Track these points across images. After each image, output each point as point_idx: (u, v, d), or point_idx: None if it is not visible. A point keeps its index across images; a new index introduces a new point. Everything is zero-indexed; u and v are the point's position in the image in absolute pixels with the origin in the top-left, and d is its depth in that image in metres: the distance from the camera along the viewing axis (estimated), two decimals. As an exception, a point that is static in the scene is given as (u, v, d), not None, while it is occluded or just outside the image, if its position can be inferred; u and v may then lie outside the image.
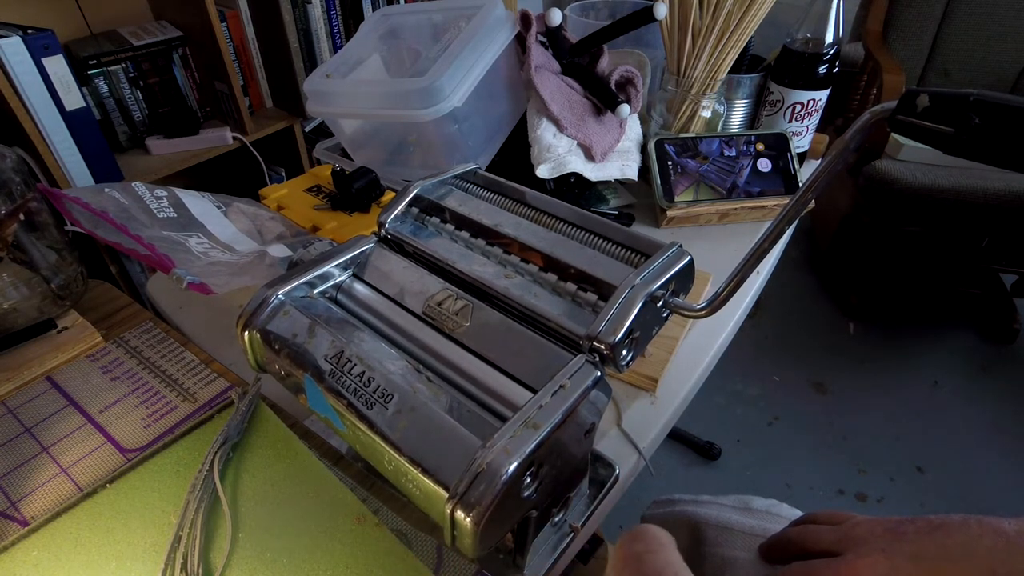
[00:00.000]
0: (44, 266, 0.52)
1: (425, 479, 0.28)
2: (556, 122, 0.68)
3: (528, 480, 0.28)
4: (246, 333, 0.37)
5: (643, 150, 0.78)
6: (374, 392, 0.31)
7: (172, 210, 0.57)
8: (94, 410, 0.48)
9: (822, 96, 0.79)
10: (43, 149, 1.03)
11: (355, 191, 0.64)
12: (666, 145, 0.73)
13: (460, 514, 0.26)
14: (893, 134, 1.41)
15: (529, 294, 0.36)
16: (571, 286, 0.36)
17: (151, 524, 0.39)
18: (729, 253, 0.70)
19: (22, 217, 0.50)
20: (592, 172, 0.72)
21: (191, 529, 0.38)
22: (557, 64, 0.73)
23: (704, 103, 0.76)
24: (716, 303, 0.33)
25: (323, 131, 1.49)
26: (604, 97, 0.72)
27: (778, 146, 0.75)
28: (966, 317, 1.71)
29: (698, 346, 0.57)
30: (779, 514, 0.53)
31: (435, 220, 0.43)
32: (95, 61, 1.16)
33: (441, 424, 0.30)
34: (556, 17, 0.69)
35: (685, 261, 0.35)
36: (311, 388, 0.34)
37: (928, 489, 1.30)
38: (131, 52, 1.20)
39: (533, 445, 0.27)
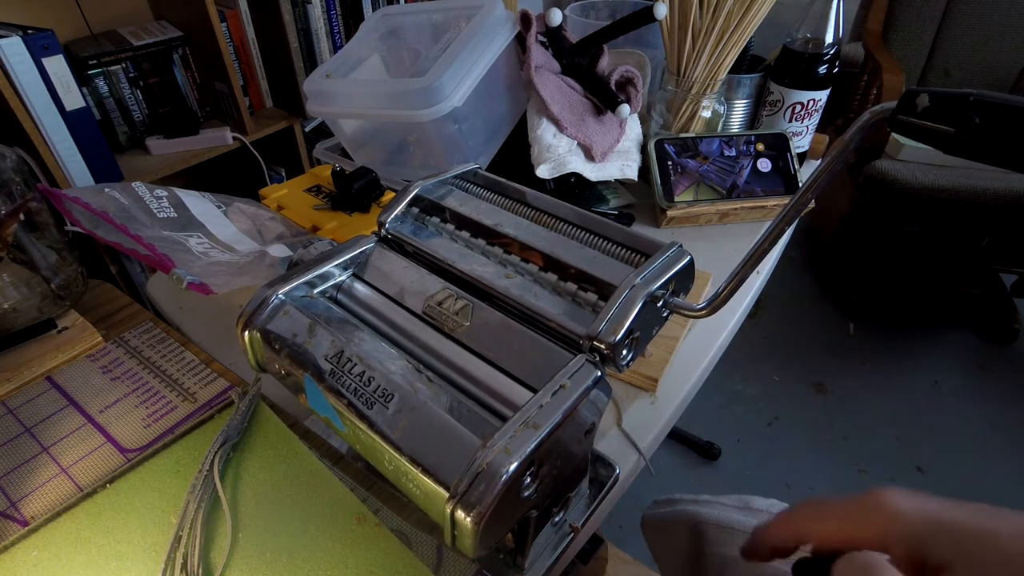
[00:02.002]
0: (44, 266, 0.52)
1: (425, 479, 0.28)
2: (556, 122, 0.68)
3: (528, 480, 0.28)
4: (246, 333, 0.37)
5: (643, 150, 0.78)
6: (374, 392, 0.31)
7: (172, 210, 0.57)
8: (94, 410, 0.48)
9: (822, 96, 0.79)
10: (43, 149, 1.03)
11: (355, 191, 0.64)
12: (666, 145, 0.73)
13: (460, 514, 0.26)
14: (893, 134, 1.41)
15: (529, 294, 0.36)
16: (571, 286, 0.36)
17: (151, 524, 0.39)
18: (729, 253, 0.70)
19: (22, 217, 0.50)
20: (592, 172, 0.72)
21: (191, 529, 0.38)
22: (557, 64, 0.73)
23: (704, 103, 0.76)
24: (716, 303, 0.33)
25: (323, 131, 1.49)
26: (604, 97, 0.72)
27: (778, 146, 0.75)
28: (966, 317, 1.71)
29: (698, 346, 0.57)
30: (779, 514, 0.52)
31: (435, 220, 0.43)
32: (95, 61, 1.16)
33: (441, 424, 0.30)
34: (556, 17, 0.69)
35: (685, 261, 0.35)
36: (311, 388, 0.34)
37: (928, 489, 1.28)
38: (131, 52, 1.20)
39: (533, 445, 0.27)
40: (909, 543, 0.26)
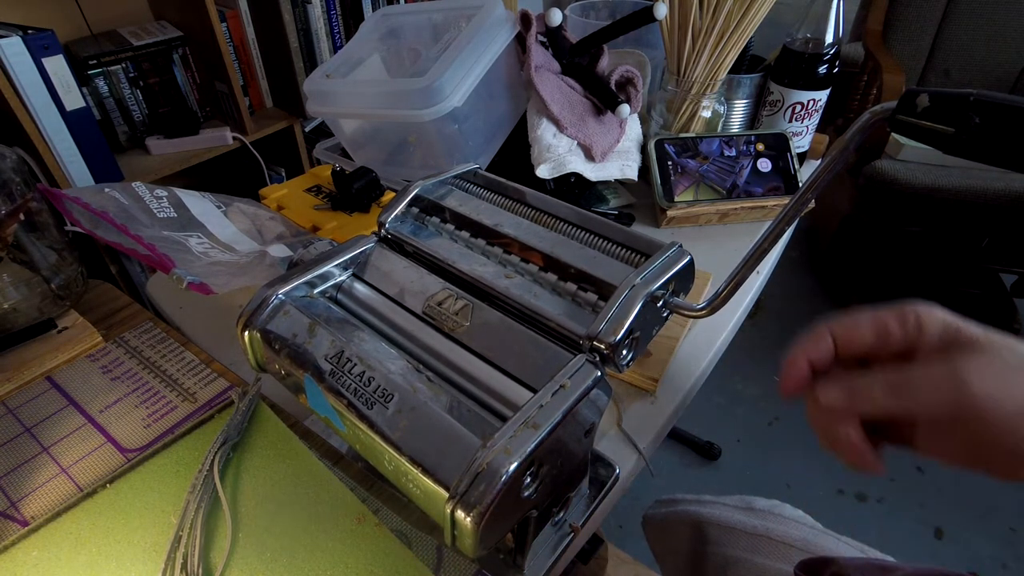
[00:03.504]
0: (44, 266, 0.52)
1: (425, 479, 0.28)
2: (556, 122, 0.68)
3: (528, 480, 0.28)
4: (246, 333, 0.37)
5: (643, 150, 0.78)
6: (374, 392, 0.31)
7: (172, 210, 0.57)
8: (94, 410, 0.48)
9: (822, 96, 0.79)
10: (43, 149, 1.03)
11: (355, 191, 0.64)
12: (666, 145, 0.73)
13: (460, 514, 0.26)
14: (893, 134, 1.41)
15: (529, 294, 0.36)
16: (571, 286, 0.36)
17: (151, 524, 0.39)
18: (729, 253, 0.70)
19: (22, 217, 0.50)
20: (592, 172, 0.72)
21: (191, 529, 0.38)
22: (557, 64, 0.73)
23: (704, 103, 0.76)
24: (716, 303, 0.34)
25: (323, 131, 1.49)
26: (604, 97, 0.72)
27: (778, 146, 0.75)
28: (966, 317, 1.71)
29: (698, 346, 0.57)
30: (781, 514, 0.53)
31: (435, 220, 0.43)
32: (95, 61, 1.16)
33: (441, 424, 0.30)
34: (556, 17, 0.69)
35: (685, 261, 0.35)
36: (311, 388, 0.34)
37: (928, 489, 1.30)
38: (131, 52, 1.20)
39: (533, 445, 0.27)
40: (945, 324, 0.28)
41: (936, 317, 0.28)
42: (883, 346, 0.29)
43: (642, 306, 0.32)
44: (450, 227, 0.42)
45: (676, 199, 0.72)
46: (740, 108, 0.84)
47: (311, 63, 1.38)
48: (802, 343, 0.31)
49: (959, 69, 1.59)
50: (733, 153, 0.74)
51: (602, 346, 0.31)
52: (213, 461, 0.41)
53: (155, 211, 0.56)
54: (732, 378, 1.55)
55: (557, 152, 0.68)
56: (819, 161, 0.73)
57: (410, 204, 0.43)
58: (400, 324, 0.38)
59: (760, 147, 0.75)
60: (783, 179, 0.74)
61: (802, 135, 0.83)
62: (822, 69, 0.76)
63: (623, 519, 1.24)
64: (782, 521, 0.51)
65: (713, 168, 0.73)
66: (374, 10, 1.43)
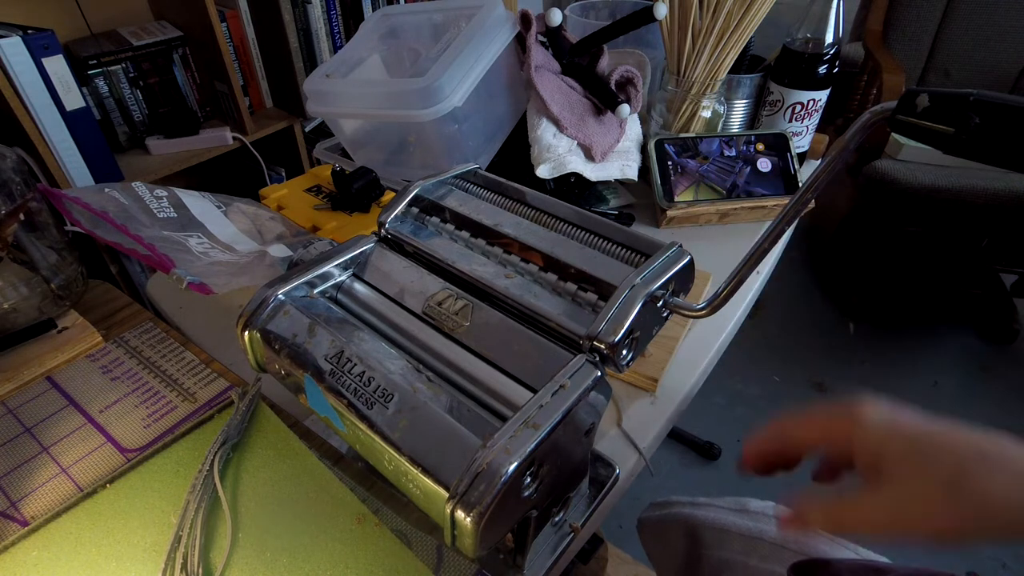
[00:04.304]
0: (44, 266, 0.52)
1: (425, 479, 0.28)
2: (556, 122, 0.68)
3: (528, 480, 0.28)
4: (246, 333, 0.37)
5: (643, 150, 0.78)
6: (374, 392, 0.31)
7: (172, 210, 0.57)
8: (94, 410, 0.48)
9: (822, 96, 0.79)
10: (43, 149, 1.03)
11: (355, 191, 0.64)
12: (666, 145, 0.73)
13: (460, 514, 0.26)
14: (893, 134, 1.41)
15: (529, 294, 0.36)
16: (571, 286, 0.36)
17: (151, 524, 0.39)
18: (729, 253, 0.69)
19: (22, 217, 0.50)
20: (592, 172, 0.72)
21: (191, 529, 0.38)
22: (557, 64, 0.73)
23: (704, 103, 0.76)
24: (716, 303, 0.34)
25: (323, 131, 1.49)
26: (604, 97, 0.72)
27: (778, 146, 0.75)
28: (966, 317, 1.71)
29: (698, 346, 0.57)
30: (775, 515, 0.53)
31: (435, 220, 0.43)
32: (95, 61, 1.16)
33: (441, 424, 0.30)
34: (556, 17, 0.69)
35: (685, 261, 0.35)
36: (311, 388, 0.34)
37: (928, 489, 1.29)
38: (131, 52, 1.20)
39: (533, 445, 0.27)
40: (869, 448, 0.30)
41: (876, 415, 0.30)
42: (827, 440, 0.32)
43: (642, 306, 0.32)
44: (450, 227, 0.42)
45: (676, 199, 0.72)
46: (740, 108, 0.84)
47: (311, 63, 1.38)
48: (757, 438, 0.36)
49: (959, 69, 1.59)
50: (733, 153, 0.74)
51: (602, 346, 0.31)
52: (213, 461, 0.41)
53: (155, 211, 0.56)
54: (732, 378, 1.55)
55: (557, 152, 0.68)
56: (819, 161, 0.73)
57: (410, 204, 0.43)
58: (400, 324, 0.38)
59: (760, 147, 0.74)
60: (783, 179, 0.74)
61: (802, 135, 0.83)
62: (822, 69, 0.76)
63: (623, 519, 1.23)
64: (775, 522, 0.51)
65: (713, 168, 0.73)
66: (374, 10, 1.43)
